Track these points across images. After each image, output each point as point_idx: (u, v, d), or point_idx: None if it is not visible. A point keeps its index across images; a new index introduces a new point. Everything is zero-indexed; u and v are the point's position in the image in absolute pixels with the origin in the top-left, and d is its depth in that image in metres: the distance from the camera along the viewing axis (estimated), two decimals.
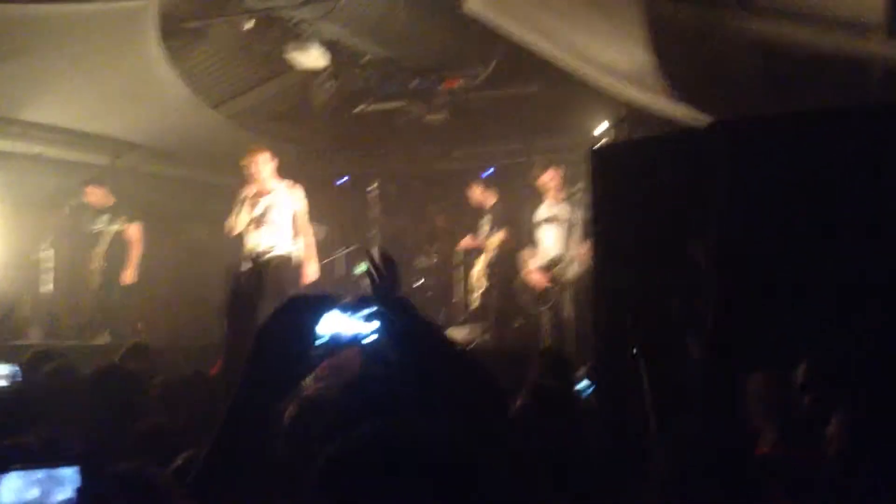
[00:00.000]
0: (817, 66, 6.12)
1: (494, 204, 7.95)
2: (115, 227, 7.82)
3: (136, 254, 7.82)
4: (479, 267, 7.87)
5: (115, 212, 7.90)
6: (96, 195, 7.90)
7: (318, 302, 1.30)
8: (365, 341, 1.34)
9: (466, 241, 8.17)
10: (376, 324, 1.35)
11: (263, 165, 6.75)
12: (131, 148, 8.61)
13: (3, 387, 4.03)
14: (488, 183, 8.19)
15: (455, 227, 8.62)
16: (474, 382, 1.35)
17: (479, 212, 8.08)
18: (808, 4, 5.40)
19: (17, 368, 4.18)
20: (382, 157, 9.30)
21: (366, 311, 1.34)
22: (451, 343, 1.45)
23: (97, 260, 7.82)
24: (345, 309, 1.33)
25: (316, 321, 1.28)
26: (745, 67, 6.70)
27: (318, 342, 1.28)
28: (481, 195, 8.07)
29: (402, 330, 1.37)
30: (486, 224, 7.97)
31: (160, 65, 6.78)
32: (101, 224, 7.89)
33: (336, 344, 1.31)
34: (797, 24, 5.59)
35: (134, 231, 7.85)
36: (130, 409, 3.01)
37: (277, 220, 6.79)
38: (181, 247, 9.44)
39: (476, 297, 7.88)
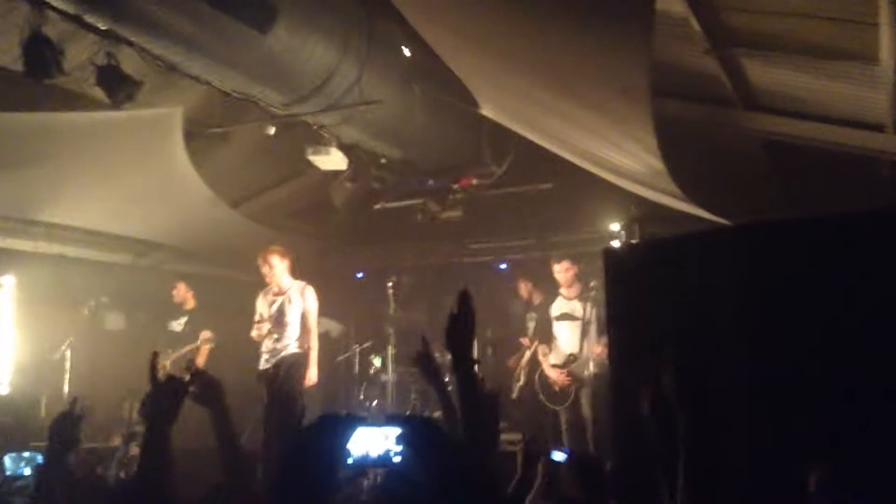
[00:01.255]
0: (825, 162, 6.23)
1: (541, 303, 7.85)
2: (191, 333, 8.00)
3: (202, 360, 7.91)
4: (524, 361, 7.84)
5: (192, 316, 8.18)
6: (180, 293, 8.22)
7: (348, 421, 1.33)
8: (393, 460, 1.35)
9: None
10: (400, 444, 1.35)
11: (278, 265, 6.95)
12: (154, 247, 8.78)
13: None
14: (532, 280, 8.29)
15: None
16: None
17: (524, 308, 8.18)
18: (813, 104, 5.52)
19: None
20: (399, 252, 9.43)
21: (393, 431, 1.35)
22: (476, 466, 1.43)
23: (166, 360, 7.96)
24: (373, 426, 1.34)
25: (346, 440, 1.30)
26: (751, 165, 6.83)
27: (348, 460, 1.28)
28: (527, 292, 8.17)
29: (425, 453, 1.36)
30: (530, 321, 8.02)
31: (183, 167, 7.00)
32: (178, 326, 8.17)
33: (365, 463, 1.32)
34: (804, 122, 5.71)
35: (205, 335, 7.99)
36: None
37: (291, 319, 6.93)
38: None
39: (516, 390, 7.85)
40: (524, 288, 8.43)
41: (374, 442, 1.11)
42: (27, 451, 5.26)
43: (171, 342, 8.15)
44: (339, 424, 1.33)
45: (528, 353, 7.71)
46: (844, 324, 3.46)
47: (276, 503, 1.26)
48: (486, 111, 5.84)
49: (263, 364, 6.94)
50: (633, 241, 6.35)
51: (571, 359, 7.05)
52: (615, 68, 4.07)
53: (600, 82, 4.32)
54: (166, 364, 8.14)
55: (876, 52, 4.29)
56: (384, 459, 1.15)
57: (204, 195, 7.48)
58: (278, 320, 6.93)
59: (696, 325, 3.87)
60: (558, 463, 4.34)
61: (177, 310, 8.38)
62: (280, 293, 7.02)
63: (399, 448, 1.34)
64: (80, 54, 5.39)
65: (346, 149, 7.04)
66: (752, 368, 3.68)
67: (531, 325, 7.95)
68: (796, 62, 4.93)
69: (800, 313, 3.55)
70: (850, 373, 3.33)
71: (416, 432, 1.36)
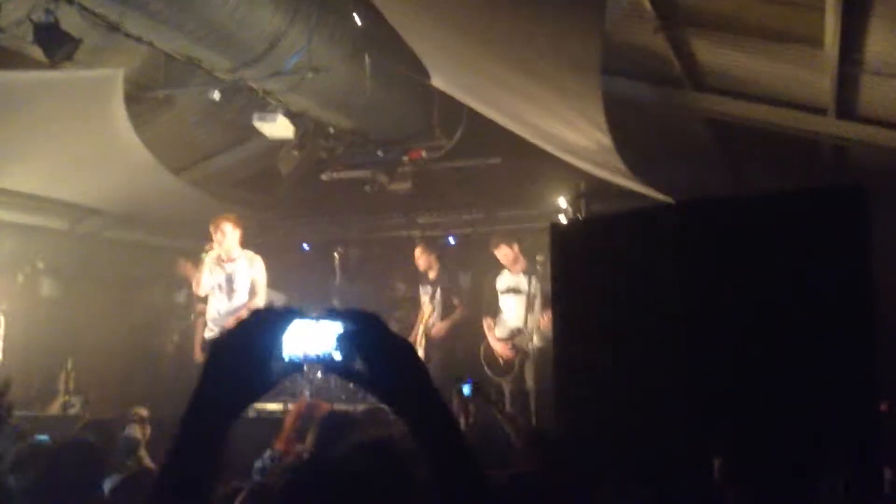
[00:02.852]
0: (769, 143, 6.36)
1: (439, 276, 7.83)
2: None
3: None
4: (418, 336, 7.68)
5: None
6: (186, 268, 8.31)
7: (281, 314, 1.23)
8: (329, 358, 1.24)
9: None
10: (340, 340, 1.25)
11: (230, 233, 6.95)
12: (92, 213, 8.54)
13: None
14: (434, 251, 8.04)
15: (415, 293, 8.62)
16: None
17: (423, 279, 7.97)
18: (759, 83, 5.61)
19: None
20: (346, 224, 9.35)
21: (331, 326, 1.24)
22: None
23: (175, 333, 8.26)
24: (311, 321, 1.24)
25: (278, 333, 1.21)
26: (698, 144, 6.93)
27: (279, 356, 1.21)
28: (426, 262, 7.90)
29: (364, 347, 1.24)
30: (424, 295, 7.89)
31: (124, 131, 6.79)
32: (182, 297, 8.37)
33: (298, 361, 1.23)
34: (749, 103, 5.81)
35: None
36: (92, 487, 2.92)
37: (239, 287, 7.01)
38: (137, 312, 9.31)
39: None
40: (423, 259, 7.90)
41: (312, 337, 1.07)
42: None
43: (173, 313, 8.42)
44: (272, 317, 1.23)
45: (420, 327, 7.66)
46: (782, 301, 3.55)
47: (201, 403, 1.17)
48: (437, 82, 5.79)
49: (208, 333, 6.98)
50: (579, 217, 6.40)
51: (516, 332, 7.12)
52: (567, 43, 4.07)
53: (552, 57, 4.32)
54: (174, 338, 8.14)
55: (821, 36, 4.37)
56: (324, 356, 1.10)
57: (145, 161, 7.27)
58: (227, 288, 6.99)
59: (639, 300, 3.93)
60: (468, 396, 4.56)
61: (179, 282, 8.54)
62: (230, 261, 7.04)
63: (336, 345, 1.24)
64: (17, 10, 5.16)
65: (293, 117, 6.92)
66: (692, 344, 3.75)
67: (425, 298, 7.79)
68: (744, 44, 5.00)
69: (740, 290, 3.63)
70: (787, 351, 3.42)
71: (361, 328, 1.25)
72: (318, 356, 1.25)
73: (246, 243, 7.15)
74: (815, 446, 3.07)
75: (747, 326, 3.52)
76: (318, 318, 1.26)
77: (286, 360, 1.23)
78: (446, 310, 7.75)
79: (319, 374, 7.33)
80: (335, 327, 1.25)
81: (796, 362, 3.35)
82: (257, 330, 1.22)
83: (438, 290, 7.72)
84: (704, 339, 3.65)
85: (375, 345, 1.24)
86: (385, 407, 1.30)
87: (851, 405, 3.14)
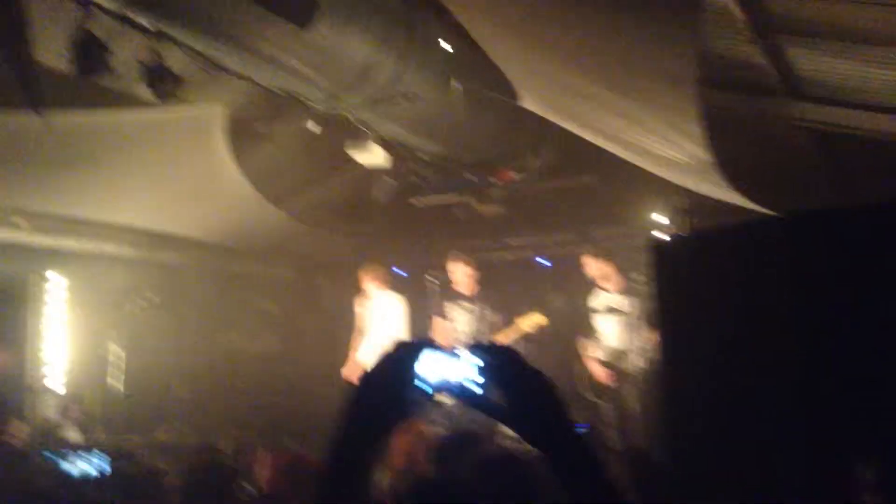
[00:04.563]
0: (873, 152, 6.08)
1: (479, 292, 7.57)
2: None
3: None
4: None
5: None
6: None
7: (420, 345, 1.27)
8: (468, 390, 1.27)
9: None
10: (479, 372, 1.27)
11: (368, 279, 7.95)
12: (197, 246, 8.88)
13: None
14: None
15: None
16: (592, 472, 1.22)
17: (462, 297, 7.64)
18: (860, 92, 5.39)
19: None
20: (438, 248, 9.41)
21: (471, 358, 1.27)
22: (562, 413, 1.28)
23: None
24: (449, 354, 1.27)
25: (416, 365, 1.24)
26: (801, 155, 6.69)
27: (418, 386, 1.24)
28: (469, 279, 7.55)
29: (503, 380, 1.26)
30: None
31: (226, 165, 7.06)
32: None
33: (437, 389, 1.26)
34: (852, 111, 5.58)
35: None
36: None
37: (379, 327, 7.74)
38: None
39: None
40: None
41: (450, 370, 1.09)
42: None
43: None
44: (408, 348, 1.27)
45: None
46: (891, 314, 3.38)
47: (347, 430, 1.22)
48: (527, 103, 5.79)
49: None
50: (681, 233, 6.25)
51: (619, 354, 6.98)
52: (661, 57, 4.01)
53: (646, 72, 4.26)
54: None
55: None
56: (460, 388, 1.11)
57: (247, 193, 7.54)
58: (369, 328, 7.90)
59: (748, 317, 3.81)
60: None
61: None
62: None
63: (478, 378, 1.26)
64: (124, 51, 5.45)
65: (385, 144, 7.04)
66: (806, 361, 3.60)
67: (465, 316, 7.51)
68: (843, 49, 4.82)
69: (855, 303, 3.47)
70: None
71: (500, 362, 1.27)
72: (457, 387, 1.27)
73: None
74: None
75: (865, 341, 3.37)
76: (455, 351, 1.28)
77: (424, 390, 1.26)
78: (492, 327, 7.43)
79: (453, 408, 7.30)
80: (472, 360, 1.27)
81: None
82: (398, 360, 1.26)
83: (481, 307, 7.46)
84: (821, 355, 3.50)
85: (515, 378, 1.25)
86: (522, 441, 1.30)
87: None
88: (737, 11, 4.50)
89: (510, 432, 1.30)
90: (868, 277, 3.47)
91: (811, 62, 5.19)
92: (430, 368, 1.26)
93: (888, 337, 3.34)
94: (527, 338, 7.26)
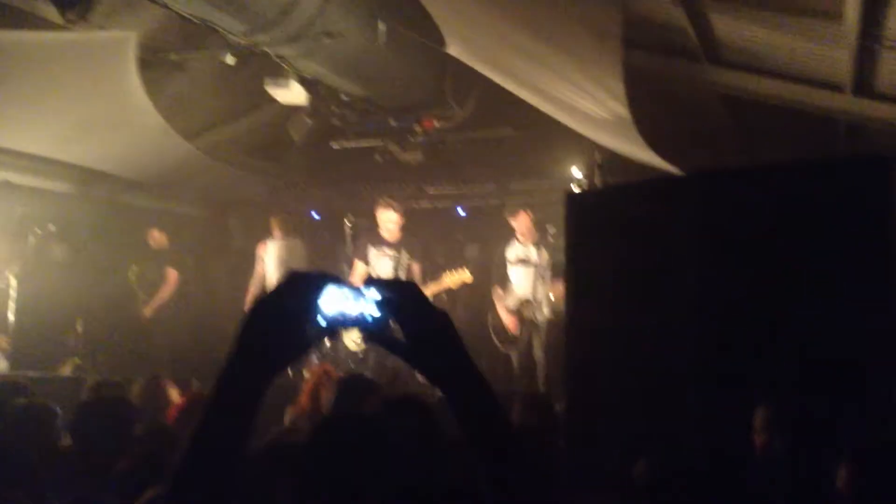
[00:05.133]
0: (784, 119, 6.32)
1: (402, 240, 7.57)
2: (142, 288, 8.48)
3: (162, 295, 8.45)
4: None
5: (165, 256, 8.60)
6: (156, 239, 8.66)
7: (320, 278, 1.23)
8: (366, 323, 1.24)
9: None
10: (378, 306, 1.25)
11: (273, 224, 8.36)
12: (103, 177, 8.54)
13: None
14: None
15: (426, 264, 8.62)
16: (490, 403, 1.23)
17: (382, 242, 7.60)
18: (776, 58, 5.56)
19: None
20: (355, 193, 9.34)
21: (370, 293, 1.24)
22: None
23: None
24: (347, 288, 1.24)
25: (316, 297, 1.21)
26: (713, 118, 6.89)
27: (317, 319, 1.21)
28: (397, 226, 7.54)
29: (403, 316, 1.25)
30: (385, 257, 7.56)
31: (137, 95, 6.76)
32: (132, 275, 8.52)
33: (336, 323, 1.23)
34: (766, 77, 5.76)
35: (171, 275, 8.53)
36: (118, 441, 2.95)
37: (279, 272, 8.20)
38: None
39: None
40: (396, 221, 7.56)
41: (350, 304, 1.07)
42: None
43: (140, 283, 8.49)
44: (308, 281, 1.23)
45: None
46: (792, 269, 3.56)
47: (237, 363, 1.17)
48: (453, 49, 5.75)
49: None
50: (595, 188, 6.39)
51: (525, 302, 7.13)
52: (588, 12, 4.04)
53: (573, 25, 4.29)
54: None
55: (841, 8, 4.32)
56: (359, 322, 1.09)
57: (157, 126, 7.25)
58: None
59: (652, 269, 3.94)
60: None
61: (146, 251, 8.66)
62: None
63: (378, 313, 1.24)
64: None
65: (306, 83, 6.89)
66: (707, 313, 3.77)
67: (388, 262, 7.51)
68: (762, 17, 4.95)
69: (756, 259, 3.64)
70: (796, 318, 3.43)
71: (400, 298, 1.25)
72: (354, 320, 1.24)
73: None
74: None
75: (762, 295, 3.54)
76: (356, 286, 1.25)
77: (321, 323, 1.22)
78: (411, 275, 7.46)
79: (328, 345, 7.34)
80: (371, 295, 1.25)
81: (812, 331, 3.36)
82: (294, 292, 1.21)
83: (403, 255, 7.47)
84: (718, 307, 3.66)
85: (414, 313, 1.24)
86: (419, 374, 1.29)
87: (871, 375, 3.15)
88: None
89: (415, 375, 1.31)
90: (767, 233, 3.63)
91: (730, 28, 5.31)
92: (330, 302, 1.23)
93: (784, 286, 3.52)
94: (448, 292, 7.36)
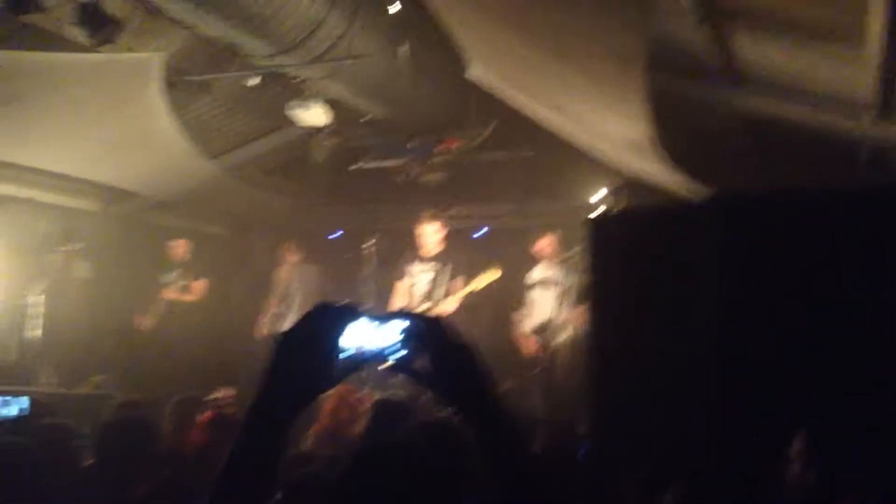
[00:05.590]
0: (807, 142, 6.27)
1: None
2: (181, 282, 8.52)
3: (186, 298, 8.50)
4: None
5: (187, 268, 8.59)
6: (177, 250, 8.63)
7: (344, 312, 1.23)
8: (392, 357, 1.25)
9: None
10: (404, 339, 1.26)
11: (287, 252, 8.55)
12: (125, 196, 8.63)
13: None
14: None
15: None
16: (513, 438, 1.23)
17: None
18: (799, 81, 5.53)
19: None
20: (377, 213, 9.36)
21: (395, 325, 1.25)
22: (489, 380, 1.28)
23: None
24: (373, 320, 1.25)
25: (341, 331, 1.21)
26: (736, 141, 6.86)
27: (342, 354, 1.22)
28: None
29: (428, 348, 1.26)
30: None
31: (161, 115, 6.85)
32: (169, 277, 8.56)
33: (361, 358, 1.24)
34: (788, 101, 5.73)
35: (198, 284, 8.56)
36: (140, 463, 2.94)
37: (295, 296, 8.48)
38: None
39: None
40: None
41: (371, 337, 1.06)
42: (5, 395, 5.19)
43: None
44: (333, 314, 1.23)
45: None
46: (818, 294, 3.52)
47: (267, 395, 1.18)
48: (474, 73, 5.77)
49: None
50: (618, 210, 6.36)
51: (545, 325, 7.08)
52: (612, 33, 4.04)
53: (595, 46, 4.29)
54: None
55: (864, 33, 4.29)
56: (384, 354, 1.09)
57: (181, 145, 7.33)
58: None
59: (676, 293, 3.91)
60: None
61: (168, 264, 8.65)
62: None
63: (400, 344, 1.25)
64: None
65: (328, 104, 6.94)
66: (730, 338, 3.73)
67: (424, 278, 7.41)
68: (785, 39, 4.93)
69: (775, 283, 3.60)
70: (824, 342, 3.39)
71: (424, 330, 1.26)
72: (380, 354, 1.25)
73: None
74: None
75: (787, 319, 3.50)
76: (379, 317, 1.26)
77: (348, 357, 1.23)
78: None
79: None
80: (397, 326, 1.25)
81: (839, 356, 3.32)
82: (321, 326, 1.22)
83: (444, 269, 7.30)
84: (743, 331, 3.62)
85: (439, 346, 1.25)
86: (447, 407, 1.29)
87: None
88: None
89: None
90: (790, 258, 3.60)
91: (754, 51, 5.29)
92: (357, 333, 1.24)
93: (810, 314, 3.48)
94: (477, 294, 7.23)
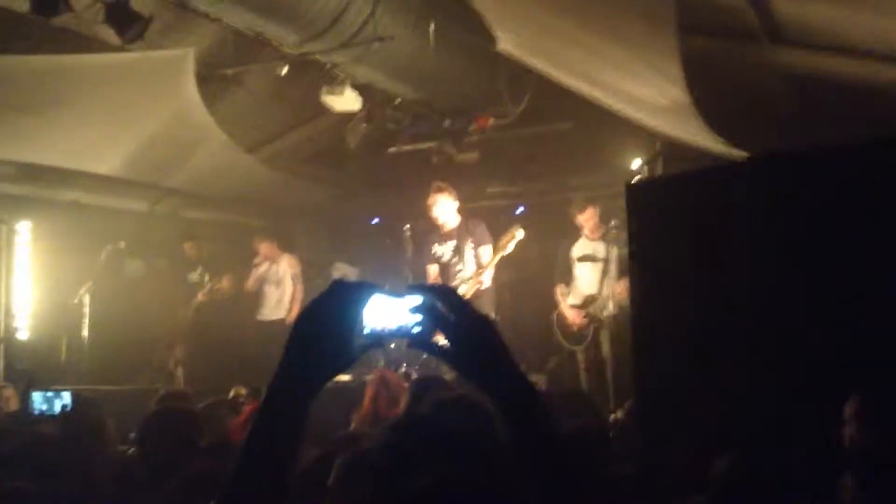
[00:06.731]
0: (854, 99, 6.06)
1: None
2: (209, 282, 8.58)
3: (217, 289, 8.55)
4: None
5: (206, 265, 8.69)
6: (191, 249, 8.72)
7: (362, 288, 1.24)
8: (411, 332, 1.25)
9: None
10: (423, 314, 1.25)
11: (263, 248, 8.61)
12: (169, 194, 8.75)
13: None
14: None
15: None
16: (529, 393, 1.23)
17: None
18: (839, 37, 5.34)
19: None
20: (414, 196, 9.35)
21: (413, 301, 1.25)
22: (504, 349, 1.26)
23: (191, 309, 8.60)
24: (391, 296, 1.25)
25: (359, 307, 1.22)
26: (778, 100, 6.66)
27: (361, 331, 1.22)
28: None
29: (446, 322, 1.24)
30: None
31: (197, 111, 6.90)
32: (195, 276, 8.66)
33: (380, 334, 1.24)
34: (832, 57, 5.54)
35: (228, 279, 8.60)
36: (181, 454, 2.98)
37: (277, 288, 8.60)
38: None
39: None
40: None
41: (391, 312, 1.06)
42: (51, 391, 5.34)
43: (191, 292, 8.56)
44: (351, 291, 1.24)
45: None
46: (860, 254, 3.40)
47: (285, 375, 1.19)
48: (504, 45, 5.68)
49: None
50: (656, 177, 6.23)
51: (590, 299, 7.00)
52: None
53: (626, 12, 4.18)
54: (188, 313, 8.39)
55: None
56: (402, 330, 1.08)
57: (218, 139, 7.40)
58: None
59: (718, 258, 3.81)
60: None
61: (190, 262, 8.76)
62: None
63: (419, 317, 1.24)
64: None
65: (359, 89, 6.93)
66: (775, 302, 3.62)
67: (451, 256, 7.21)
68: None
69: (820, 245, 3.48)
70: (866, 304, 3.27)
71: (442, 303, 1.24)
72: (398, 330, 1.25)
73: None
74: None
75: (829, 279, 3.38)
76: (396, 292, 1.26)
77: (367, 334, 1.24)
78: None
79: (392, 346, 7.27)
80: (413, 301, 1.25)
81: (882, 316, 3.20)
82: (339, 304, 1.22)
83: (467, 242, 7.07)
84: (793, 294, 3.51)
85: (456, 319, 1.24)
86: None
87: None
88: None
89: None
90: (834, 217, 3.47)
91: (793, 6, 5.12)
92: (374, 311, 1.24)
93: (854, 274, 3.36)
94: (506, 259, 6.97)
